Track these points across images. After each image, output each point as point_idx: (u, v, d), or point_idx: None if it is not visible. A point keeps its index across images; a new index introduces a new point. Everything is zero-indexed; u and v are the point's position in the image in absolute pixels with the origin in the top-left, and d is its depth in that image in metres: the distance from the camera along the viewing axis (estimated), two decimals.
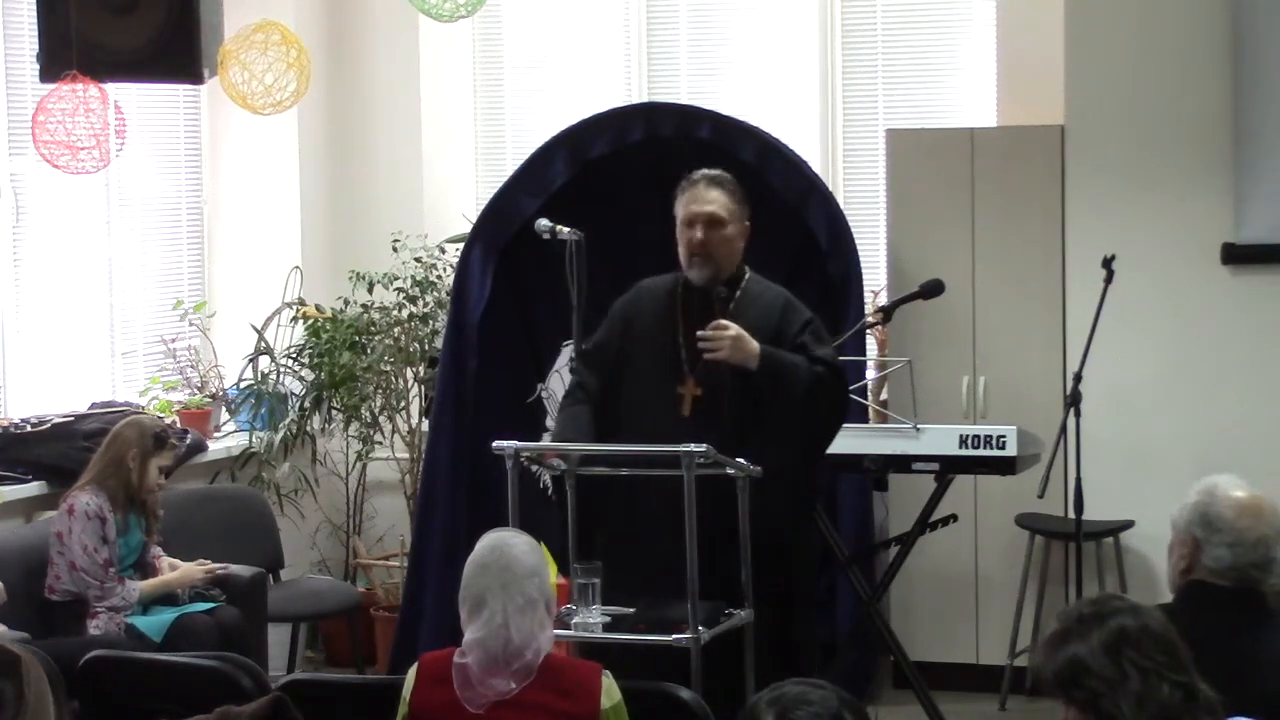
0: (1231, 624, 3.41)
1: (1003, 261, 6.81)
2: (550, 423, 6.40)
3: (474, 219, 7.06)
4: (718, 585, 4.76)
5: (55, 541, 5.89)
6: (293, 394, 7.48)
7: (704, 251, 5.05)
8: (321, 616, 7.15)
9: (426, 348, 7.43)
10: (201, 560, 6.21)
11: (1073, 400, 5.77)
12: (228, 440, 7.38)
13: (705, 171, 5.17)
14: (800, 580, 5.17)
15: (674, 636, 4.63)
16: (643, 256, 5.79)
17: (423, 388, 7.43)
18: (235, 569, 6.33)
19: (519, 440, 4.94)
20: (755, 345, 4.90)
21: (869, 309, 6.66)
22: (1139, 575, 6.60)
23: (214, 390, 7.45)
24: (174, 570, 6.13)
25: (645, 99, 7.59)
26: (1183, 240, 6.62)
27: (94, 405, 6.81)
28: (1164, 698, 2.73)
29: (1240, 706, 2.87)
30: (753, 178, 6.53)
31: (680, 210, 5.10)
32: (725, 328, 4.90)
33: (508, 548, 3.84)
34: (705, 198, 5.07)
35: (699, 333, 4.91)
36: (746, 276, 5.15)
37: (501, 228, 6.76)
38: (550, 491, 5.10)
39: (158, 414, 6.90)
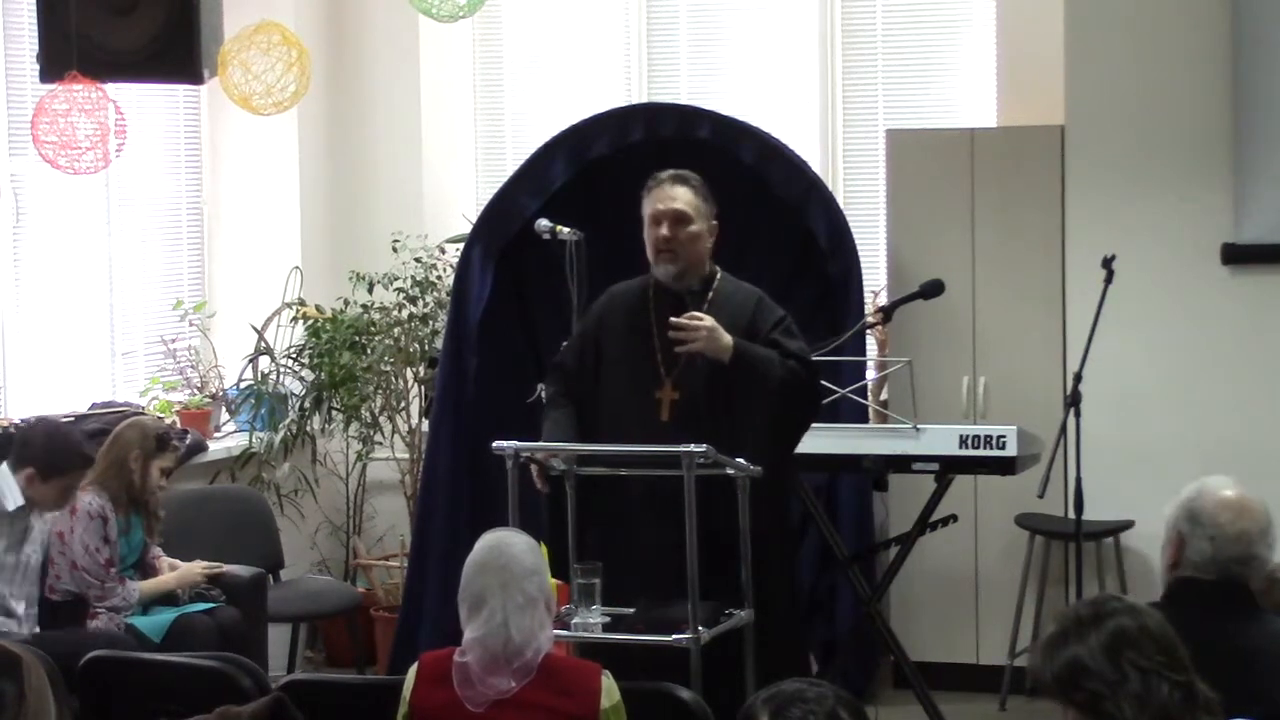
0: (1216, 618, 3.43)
1: (1003, 261, 6.81)
2: None
3: (474, 219, 7.06)
4: (709, 585, 4.75)
5: (56, 541, 5.89)
6: (293, 394, 7.48)
7: (670, 248, 5.05)
8: (321, 616, 7.15)
9: (426, 348, 7.43)
10: (199, 561, 6.19)
11: (1073, 400, 5.77)
12: (228, 440, 7.38)
13: (670, 171, 5.17)
14: (776, 581, 5.14)
15: (674, 636, 4.63)
16: (643, 256, 5.78)
17: (423, 388, 7.43)
18: (235, 569, 6.33)
19: (519, 440, 4.95)
20: (728, 338, 4.91)
21: (869, 309, 6.66)
22: (1139, 575, 6.60)
23: (214, 390, 7.45)
24: (174, 571, 6.13)
25: (645, 99, 7.59)
26: (1183, 240, 6.62)
27: (94, 405, 6.81)
28: (1164, 698, 2.73)
29: (1225, 700, 2.88)
30: (752, 178, 6.56)
31: (647, 209, 5.11)
32: (700, 319, 4.91)
33: (507, 547, 3.84)
34: (671, 195, 5.08)
35: (672, 319, 4.91)
36: (718, 276, 5.15)
37: (501, 228, 6.76)
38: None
39: (158, 414, 6.90)
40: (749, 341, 4.98)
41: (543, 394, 5.73)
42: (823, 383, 5.36)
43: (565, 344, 5.40)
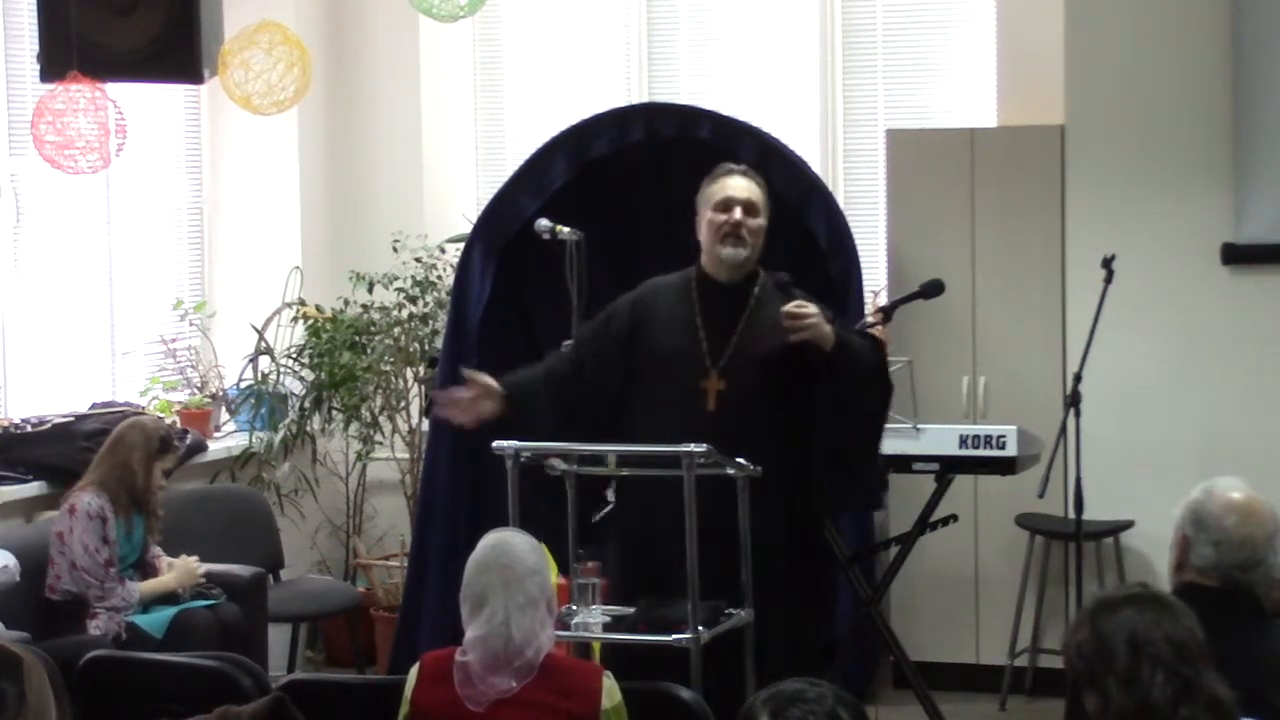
0: (1222, 624, 3.40)
1: (1003, 261, 6.81)
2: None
3: (474, 219, 7.06)
4: (732, 587, 4.75)
5: (56, 541, 5.89)
6: (293, 394, 7.48)
7: (738, 232, 5.01)
8: (321, 616, 7.15)
9: (426, 348, 7.43)
10: (185, 556, 6.18)
11: (1073, 400, 5.77)
12: (228, 440, 7.39)
13: (737, 165, 5.18)
14: (791, 582, 5.14)
15: (674, 636, 4.63)
16: (643, 256, 5.78)
17: (423, 388, 7.43)
18: (235, 568, 6.34)
19: (519, 440, 4.94)
20: (829, 326, 4.88)
21: (869, 309, 6.65)
22: (1139, 575, 6.59)
23: (214, 390, 7.46)
24: (171, 570, 6.12)
25: (645, 99, 7.59)
26: (1183, 240, 6.62)
27: (94, 405, 6.81)
28: (1153, 685, 2.73)
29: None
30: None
31: (713, 194, 5.05)
32: (807, 307, 4.87)
33: (509, 546, 3.85)
34: (745, 186, 5.07)
35: (784, 309, 4.86)
36: (761, 273, 5.15)
37: (502, 228, 6.75)
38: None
39: (158, 414, 6.90)
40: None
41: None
42: None
43: (578, 336, 5.33)
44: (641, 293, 5.20)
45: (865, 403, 5.00)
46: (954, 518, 6.14)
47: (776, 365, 4.93)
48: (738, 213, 5.02)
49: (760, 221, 5.06)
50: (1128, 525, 6.59)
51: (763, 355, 4.94)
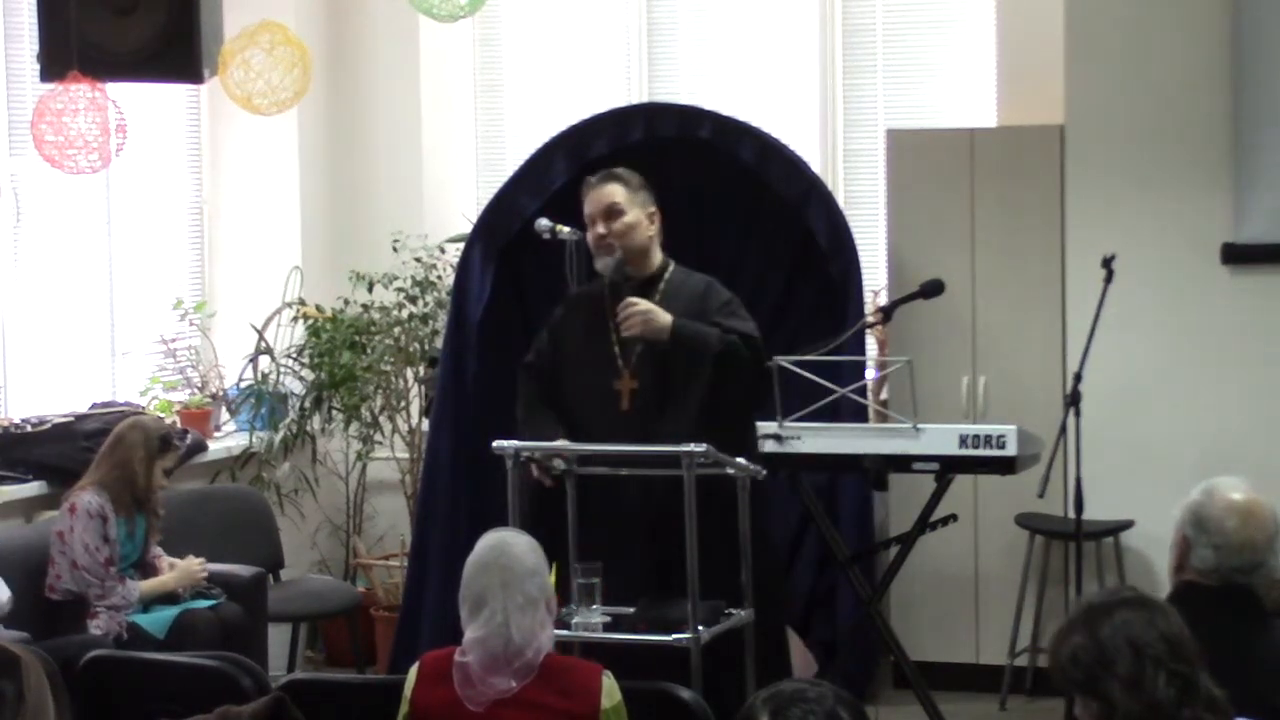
0: (1223, 623, 3.41)
1: (1003, 261, 6.81)
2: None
3: (474, 219, 7.06)
4: (674, 582, 4.77)
5: (56, 541, 5.89)
6: (293, 394, 7.48)
7: (603, 243, 5.18)
8: (321, 616, 7.15)
9: (426, 347, 7.44)
10: (191, 557, 6.19)
11: (1073, 400, 5.77)
12: (228, 440, 7.39)
13: (601, 171, 5.33)
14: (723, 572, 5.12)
15: (674, 636, 4.63)
16: None
17: (423, 387, 7.43)
18: (235, 568, 6.34)
19: (519, 440, 4.96)
20: (666, 318, 5.03)
21: (869, 309, 6.65)
22: (1139, 575, 6.60)
23: (214, 390, 7.46)
24: (172, 570, 6.13)
25: (645, 99, 7.59)
26: (1183, 240, 6.62)
27: (94, 405, 6.81)
28: (1157, 685, 2.73)
29: (1233, 706, 2.87)
30: (753, 178, 6.56)
31: (585, 213, 5.25)
32: (634, 304, 5.03)
33: (508, 547, 3.85)
34: (600, 194, 5.22)
35: (618, 308, 5.03)
36: (670, 267, 5.22)
37: (502, 228, 6.76)
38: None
39: (158, 414, 6.91)
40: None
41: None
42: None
43: (533, 346, 5.45)
44: (563, 304, 5.37)
45: (703, 394, 5.07)
46: (954, 517, 6.13)
47: (685, 358, 4.99)
48: (600, 225, 5.20)
49: (628, 218, 5.19)
50: (1128, 525, 6.59)
51: (670, 350, 5.02)
